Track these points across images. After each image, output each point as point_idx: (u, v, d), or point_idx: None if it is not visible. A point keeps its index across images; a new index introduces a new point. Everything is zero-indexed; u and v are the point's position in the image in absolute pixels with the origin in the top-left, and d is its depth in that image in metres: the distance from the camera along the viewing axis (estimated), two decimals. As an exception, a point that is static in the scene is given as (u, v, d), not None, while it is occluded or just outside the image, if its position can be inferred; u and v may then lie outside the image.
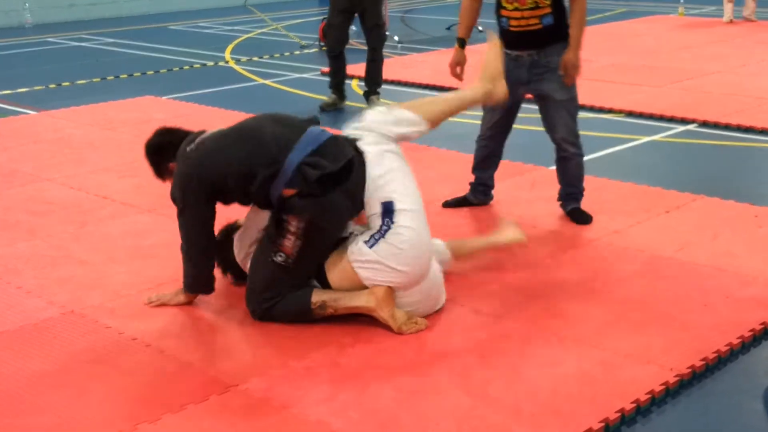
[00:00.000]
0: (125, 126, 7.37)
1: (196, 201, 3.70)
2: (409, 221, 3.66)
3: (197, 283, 3.90)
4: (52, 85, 9.41)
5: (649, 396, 3.17)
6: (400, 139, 3.91)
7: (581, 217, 4.85)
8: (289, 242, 3.62)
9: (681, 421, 3.09)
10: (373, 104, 7.73)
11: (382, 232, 3.64)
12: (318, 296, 3.68)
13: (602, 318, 3.76)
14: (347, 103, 7.97)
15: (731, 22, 11.86)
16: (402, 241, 3.62)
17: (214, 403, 3.19)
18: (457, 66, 4.88)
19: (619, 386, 3.22)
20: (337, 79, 7.83)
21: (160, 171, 3.97)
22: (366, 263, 3.64)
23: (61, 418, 3.12)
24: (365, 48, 7.95)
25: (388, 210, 3.65)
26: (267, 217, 3.80)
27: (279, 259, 3.65)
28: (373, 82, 7.85)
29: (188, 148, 3.74)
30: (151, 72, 10.08)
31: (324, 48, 9.19)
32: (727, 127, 6.86)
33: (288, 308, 3.70)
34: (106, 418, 3.10)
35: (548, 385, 3.24)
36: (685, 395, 3.23)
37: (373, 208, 3.69)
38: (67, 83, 9.51)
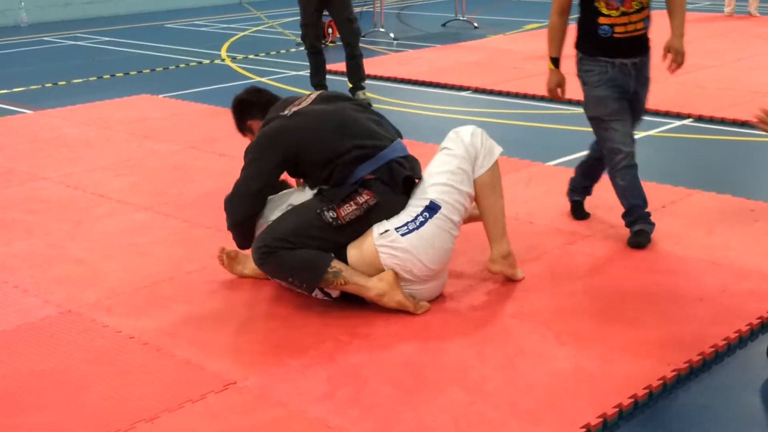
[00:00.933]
0: (121, 125, 7.36)
1: (271, 157, 3.83)
2: (446, 225, 3.77)
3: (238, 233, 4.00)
4: (48, 84, 9.40)
5: (647, 391, 3.17)
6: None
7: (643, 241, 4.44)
8: (350, 208, 3.73)
9: (679, 416, 3.09)
10: (359, 99, 7.77)
11: (417, 224, 3.74)
12: (336, 264, 3.73)
13: (599, 313, 3.76)
14: None
15: (731, 16, 11.80)
16: (434, 236, 3.73)
17: (212, 401, 3.19)
18: (558, 88, 4.62)
19: (616, 381, 3.23)
20: (319, 77, 7.88)
21: (242, 126, 4.22)
22: (395, 250, 3.71)
23: (59, 416, 3.12)
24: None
25: (432, 208, 3.76)
26: (306, 194, 3.99)
27: (329, 215, 3.72)
28: (357, 77, 7.88)
29: (283, 113, 3.91)
30: (147, 70, 10.07)
31: (301, 47, 9.21)
32: (722, 121, 6.87)
33: (300, 260, 3.69)
34: (103, 417, 3.09)
35: (545, 381, 3.24)
36: (683, 390, 3.24)
37: (419, 196, 3.82)
38: (63, 82, 9.50)
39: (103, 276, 4.31)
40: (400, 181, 3.79)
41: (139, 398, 3.21)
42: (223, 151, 6.44)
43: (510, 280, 4.06)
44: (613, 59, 4.41)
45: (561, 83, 4.63)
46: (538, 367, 3.34)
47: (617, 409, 3.06)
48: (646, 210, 4.50)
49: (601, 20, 4.39)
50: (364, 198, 3.74)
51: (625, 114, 4.46)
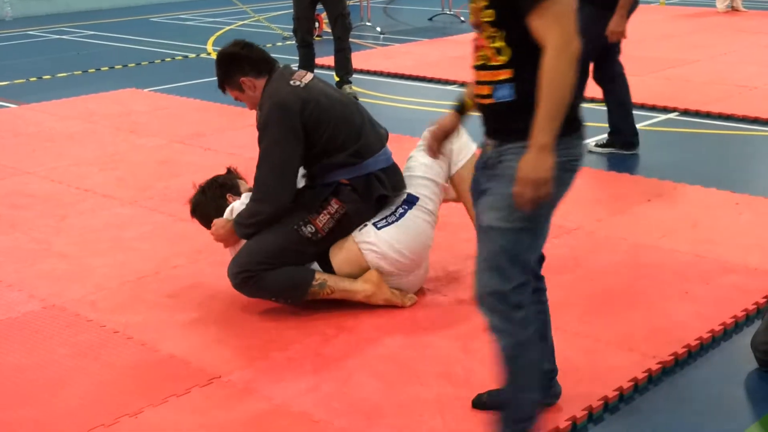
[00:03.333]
0: (106, 119, 7.32)
1: (298, 132, 3.65)
2: (424, 216, 3.78)
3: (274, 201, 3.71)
4: (33, 78, 9.34)
5: (632, 384, 3.17)
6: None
7: None
8: (324, 218, 3.68)
9: (664, 409, 3.09)
10: (346, 93, 7.76)
11: (396, 216, 3.75)
12: (320, 275, 3.71)
13: (584, 306, 3.77)
14: None
15: (728, 11, 11.72)
16: (411, 226, 3.74)
17: (197, 395, 3.17)
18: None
19: (602, 374, 3.23)
20: (307, 70, 7.86)
21: (228, 81, 3.82)
22: (374, 244, 3.71)
23: (43, 411, 3.10)
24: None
25: (410, 201, 3.79)
26: None
27: (308, 230, 3.67)
28: (344, 71, 7.90)
29: (293, 82, 3.72)
30: (133, 64, 10.03)
31: (288, 41, 9.19)
32: (708, 115, 6.88)
33: (284, 279, 3.66)
34: (87, 412, 3.08)
35: (531, 374, 3.24)
36: (668, 382, 3.24)
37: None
38: (47, 76, 9.44)
39: (88, 271, 4.28)
40: (373, 197, 3.74)
41: (123, 393, 3.20)
42: (209, 145, 6.42)
43: None
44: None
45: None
46: (524, 360, 3.34)
47: (603, 402, 3.07)
48: None
49: None
50: (334, 207, 3.69)
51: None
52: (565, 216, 4.78)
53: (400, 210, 3.77)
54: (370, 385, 3.21)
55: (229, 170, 4.17)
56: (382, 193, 3.76)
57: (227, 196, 4.00)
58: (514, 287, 2.57)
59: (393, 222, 3.75)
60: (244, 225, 3.73)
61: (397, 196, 3.81)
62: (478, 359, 3.36)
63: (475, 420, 2.97)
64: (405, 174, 3.89)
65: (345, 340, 3.54)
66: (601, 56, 5.79)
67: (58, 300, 3.97)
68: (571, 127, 2.55)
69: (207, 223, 3.97)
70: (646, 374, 3.23)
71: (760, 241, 4.40)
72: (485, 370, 3.29)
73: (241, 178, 4.14)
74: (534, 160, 2.43)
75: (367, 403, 3.09)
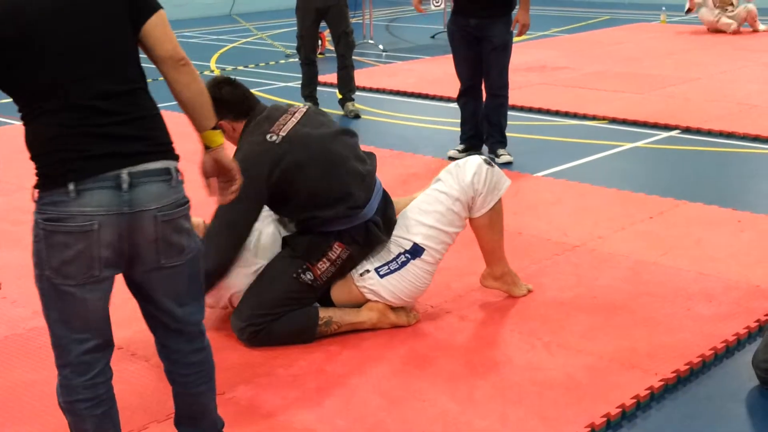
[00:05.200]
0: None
1: (260, 192, 3.56)
2: (426, 267, 3.72)
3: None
4: (36, 95, 9.36)
5: (635, 401, 3.18)
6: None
7: None
8: (324, 266, 3.63)
9: (666, 426, 3.10)
10: (348, 110, 7.82)
11: (398, 264, 3.69)
12: (324, 312, 3.68)
13: (587, 323, 3.78)
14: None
15: (735, 32, 11.69)
16: (413, 276, 3.69)
17: (201, 411, 3.17)
18: None
19: (604, 391, 3.24)
20: (311, 88, 7.93)
21: None
22: (375, 293, 3.70)
23: (47, 427, 3.10)
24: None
25: (415, 251, 3.70)
26: (271, 243, 3.74)
27: (307, 277, 3.62)
28: (347, 88, 7.93)
29: (269, 137, 3.59)
30: (136, 81, 10.06)
31: (290, 58, 9.21)
32: (709, 133, 6.90)
33: (291, 325, 3.62)
34: (91, 428, 3.08)
35: (534, 391, 3.25)
36: (670, 399, 3.25)
37: (404, 233, 3.72)
38: (51, 93, 9.46)
39: (92, 287, 4.28)
40: (374, 245, 3.71)
41: (127, 409, 3.20)
42: (212, 162, 6.42)
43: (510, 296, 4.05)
44: None
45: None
46: (527, 377, 3.35)
47: (605, 419, 3.07)
48: None
49: None
50: (336, 252, 3.63)
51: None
52: (566, 233, 4.81)
53: (403, 258, 3.69)
54: (373, 401, 3.22)
55: None
56: (382, 239, 3.72)
57: None
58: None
59: (395, 270, 3.68)
60: None
61: (402, 240, 3.71)
62: (481, 376, 3.37)
63: (479, 437, 2.98)
64: (415, 216, 3.74)
65: (349, 356, 3.55)
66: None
67: (62, 316, 3.97)
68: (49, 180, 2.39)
69: None
70: (649, 391, 3.23)
71: (761, 258, 4.41)
72: (489, 386, 3.30)
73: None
74: None
75: (371, 420, 3.10)
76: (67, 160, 2.37)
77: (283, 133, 3.61)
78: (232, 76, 3.88)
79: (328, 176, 3.62)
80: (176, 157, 2.60)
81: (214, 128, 2.68)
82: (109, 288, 2.55)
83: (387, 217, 3.79)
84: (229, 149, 2.93)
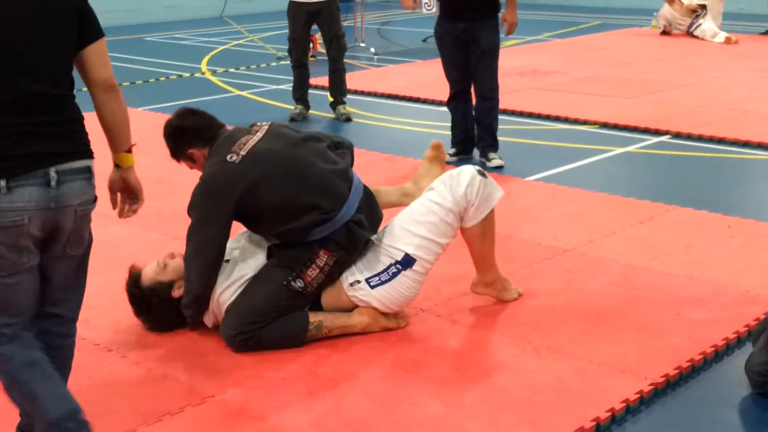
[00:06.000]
0: (101, 138, 7.30)
1: (222, 216, 3.60)
2: (416, 277, 3.71)
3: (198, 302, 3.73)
4: (27, 96, 9.34)
5: (624, 405, 3.18)
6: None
7: None
8: (313, 273, 3.63)
9: (656, 430, 3.11)
10: (340, 113, 7.83)
11: (389, 275, 3.68)
12: (315, 316, 3.68)
13: (577, 327, 3.78)
14: (311, 112, 8.06)
15: (729, 41, 11.70)
16: (401, 290, 3.69)
17: (190, 414, 3.17)
18: None
19: (594, 395, 3.24)
20: (302, 90, 7.95)
21: (179, 155, 3.89)
22: (364, 301, 3.70)
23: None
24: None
25: (407, 262, 3.68)
26: (255, 255, 3.76)
27: (297, 285, 3.62)
28: (339, 91, 7.94)
29: (229, 157, 3.62)
30: (127, 83, 10.04)
31: (282, 61, 9.23)
32: (699, 138, 6.92)
33: (281, 331, 3.62)
34: (80, 430, 3.07)
35: (524, 395, 3.25)
36: (660, 404, 3.26)
37: (395, 243, 3.71)
38: (41, 94, 9.44)
39: (81, 289, 4.27)
40: (358, 246, 3.71)
41: (117, 411, 3.20)
42: (203, 164, 6.42)
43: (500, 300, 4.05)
44: None
45: None
46: (517, 381, 3.35)
47: (595, 423, 3.08)
48: None
49: None
50: (323, 260, 3.63)
51: None
52: (557, 237, 4.82)
53: (393, 270, 3.68)
54: (363, 405, 3.22)
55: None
56: (366, 238, 3.72)
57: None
58: None
59: (386, 281, 3.68)
60: (185, 306, 3.72)
61: (393, 249, 3.69)
62: (471, 379, 3.37)
63: (468, 440, 2.98)
64: (407, 226, 3.72)
65: (338, 359, 3.55)
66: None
67: (51, 318, 3.95)
68: None
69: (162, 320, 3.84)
70: (638, 396, 3.24)
71: (751, 263, 4.43)
72: (478, 390, 3.30)
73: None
74: None
75: (361, 423, 3.10)
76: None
77: (243, 152, 3.65)
78: (194, 106, 3.97)
79: (294, 186, 3.63)
80: (93, 156, 2.84)
81: (128, 151, 2.93)
82: (36, 270, 2.72)
83: (371, 213, 3.79)
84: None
